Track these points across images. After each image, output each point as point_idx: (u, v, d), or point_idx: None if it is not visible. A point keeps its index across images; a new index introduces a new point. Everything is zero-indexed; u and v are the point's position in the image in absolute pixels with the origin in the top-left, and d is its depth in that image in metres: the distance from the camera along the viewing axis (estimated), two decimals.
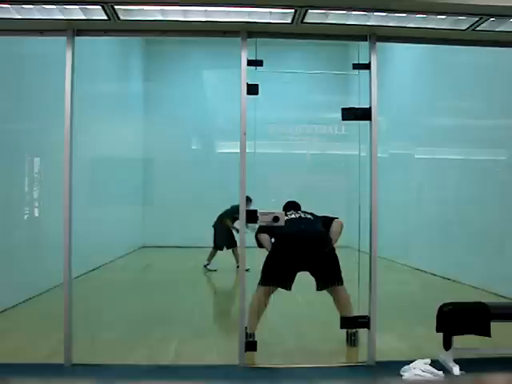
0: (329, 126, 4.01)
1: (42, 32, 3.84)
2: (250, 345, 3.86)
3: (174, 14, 3.64)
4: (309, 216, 4.55)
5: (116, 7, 3.48)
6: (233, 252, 8.61)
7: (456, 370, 3.62)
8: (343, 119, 3.94)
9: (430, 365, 3.61)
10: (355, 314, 4.13)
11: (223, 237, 8.60)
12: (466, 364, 3.67)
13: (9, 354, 3.98)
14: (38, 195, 6.81)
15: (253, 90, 3.82)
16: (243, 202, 3.90)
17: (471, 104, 7.72)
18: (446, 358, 3.75)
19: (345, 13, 3.60)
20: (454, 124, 8.25)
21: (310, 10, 3.54)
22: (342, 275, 4.32)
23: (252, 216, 3.86)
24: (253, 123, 3.86)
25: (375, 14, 3.59)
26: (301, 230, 4.35)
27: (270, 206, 4.14)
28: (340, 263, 4.32)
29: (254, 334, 4.02)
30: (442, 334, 3.80)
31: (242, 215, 3.86)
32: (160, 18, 3.67)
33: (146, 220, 12.34)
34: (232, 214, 8.14)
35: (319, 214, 4.57)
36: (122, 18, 3.63)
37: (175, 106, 12.53)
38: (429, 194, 9.12)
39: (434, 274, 8.21)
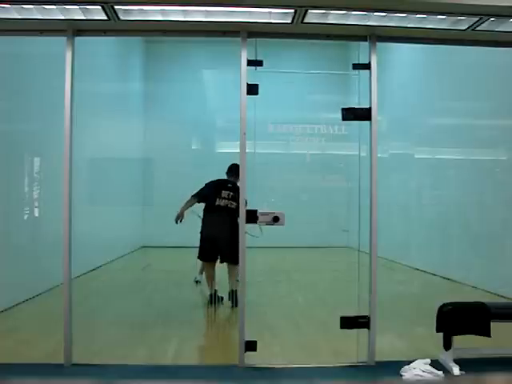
0: (329, 125, 4.00)
1: (41, 32, 3.84)
2: (250, 345, 3.86)
3: (174, 14, 3.64)
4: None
5: (116, 7, 3.48)
6: None
7: (456, 370, 3.62)
8: (343, 119, 3.94)
9: (430, 365, 3.62)
10: (355, 314, 4.03)
11: None
12: (465, 364, 3.67)
13: (9, 354, 3.98)
14: (37, 195, 6.80)
15: (253, 89, 3.83)
16: (243, 201, 3.90)
17: (472, 104, 7.71)
18: (446, 358, 3.75)
19: (345, 13, 3.60)
20: (454, 124, 8.25)
21: (310, 10, 3.54)
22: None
23: (252, 216, 3.86)
24: (253, 123, 3.87)
25: (375, 14, 3.59)
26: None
27: (269, 205, 4.14)
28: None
29: None
30: (442, 333, 3.80)
31: (243, 215, 3.86)
32: (160, 18, 3.67)
33: (146, 220, 12.31)
34: None
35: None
36: (121, 18, 3.63)
37: (175, 106, 12.50)
38: (429, 193, 9.12)
39: (434, 274, 8.21)
